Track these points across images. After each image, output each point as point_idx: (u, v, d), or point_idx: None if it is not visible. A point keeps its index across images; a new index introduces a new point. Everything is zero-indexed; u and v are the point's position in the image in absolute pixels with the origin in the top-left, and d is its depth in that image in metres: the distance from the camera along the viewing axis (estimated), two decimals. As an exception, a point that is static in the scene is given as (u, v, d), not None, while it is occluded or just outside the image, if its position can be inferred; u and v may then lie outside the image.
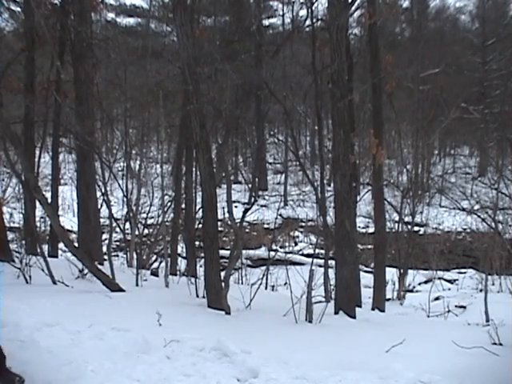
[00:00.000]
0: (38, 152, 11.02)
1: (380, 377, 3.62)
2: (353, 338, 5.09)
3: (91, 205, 9.60)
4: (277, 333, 5.05)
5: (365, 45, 13.24)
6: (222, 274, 6.00)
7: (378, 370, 3.72)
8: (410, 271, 11.86)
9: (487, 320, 6.34)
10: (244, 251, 10.58)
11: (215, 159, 8.22)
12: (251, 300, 6.13)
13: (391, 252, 12.05)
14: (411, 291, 12.16)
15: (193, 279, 6.97)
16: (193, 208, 10.53)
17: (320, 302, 5.92)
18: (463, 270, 13.77)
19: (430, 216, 19.05)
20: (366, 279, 10.11)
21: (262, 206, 19.38)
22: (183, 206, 10.89)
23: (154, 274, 9.56)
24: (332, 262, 6.61)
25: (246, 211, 6.56)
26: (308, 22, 9.14)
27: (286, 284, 8.59)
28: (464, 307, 9.17)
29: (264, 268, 8.38)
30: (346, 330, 5.44)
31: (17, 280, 6.43)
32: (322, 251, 8.53)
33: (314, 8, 8.38)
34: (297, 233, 18.43)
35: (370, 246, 13.29)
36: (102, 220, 11.08)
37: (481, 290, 10.67)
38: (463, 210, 15.02)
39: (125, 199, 10.68)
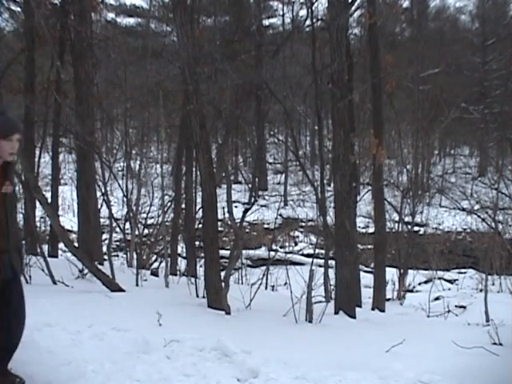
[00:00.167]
0: (38, 152, 11.04)
1: (380, 377, 3.62)
2: (353, 337, 5.08)
3: (91, 205, 9.59)
4: (277, 333, 5.03)
5: (365, 45, 13.28)
6: (222, 274, 5.99)
7: (378, 370, 3.71)
8: (410, 271, 11.87)
9: (487, 320, 6.33)
10: (244, 251, 10.59)
11: (215, 159, 8.21)
12: (251, 300, 6.12)
13: (391, 252, 12.07)
14: (411, 291, 12.16)
15: (193, 279, 6.96)
16: (193, 208, 10.53)
17: (320, 301, 5.91)
18: (463, 270, 13.78)
19: (430, 216, 19.07)
20: (366, 279, 10.11)
21: (261, 206, 19.41)
22: (183, 206, 10.90)
23: (154, 274, 9.55)
24: (332, 262, 6.60)
25: (246, 211, 6.56)
26: (308, 22, 9.15)
27: (286, 284, 8.59)
28: (464, 307, 9.18)
29: (264, 268, 8.37)
30: (346, 330, 5.44)
31: (17, 280, 6.42)
32: (322, 251, 8.53)
33: (314, 8, 8.38)
34: (297, 233, 18.44)
35: (370, 246, 13.29)
36: (102, 220, 11.08)
37: (481, 290, 10.67)
38: (463, 209, 15.06)
39: (125, 199, 10.69)
